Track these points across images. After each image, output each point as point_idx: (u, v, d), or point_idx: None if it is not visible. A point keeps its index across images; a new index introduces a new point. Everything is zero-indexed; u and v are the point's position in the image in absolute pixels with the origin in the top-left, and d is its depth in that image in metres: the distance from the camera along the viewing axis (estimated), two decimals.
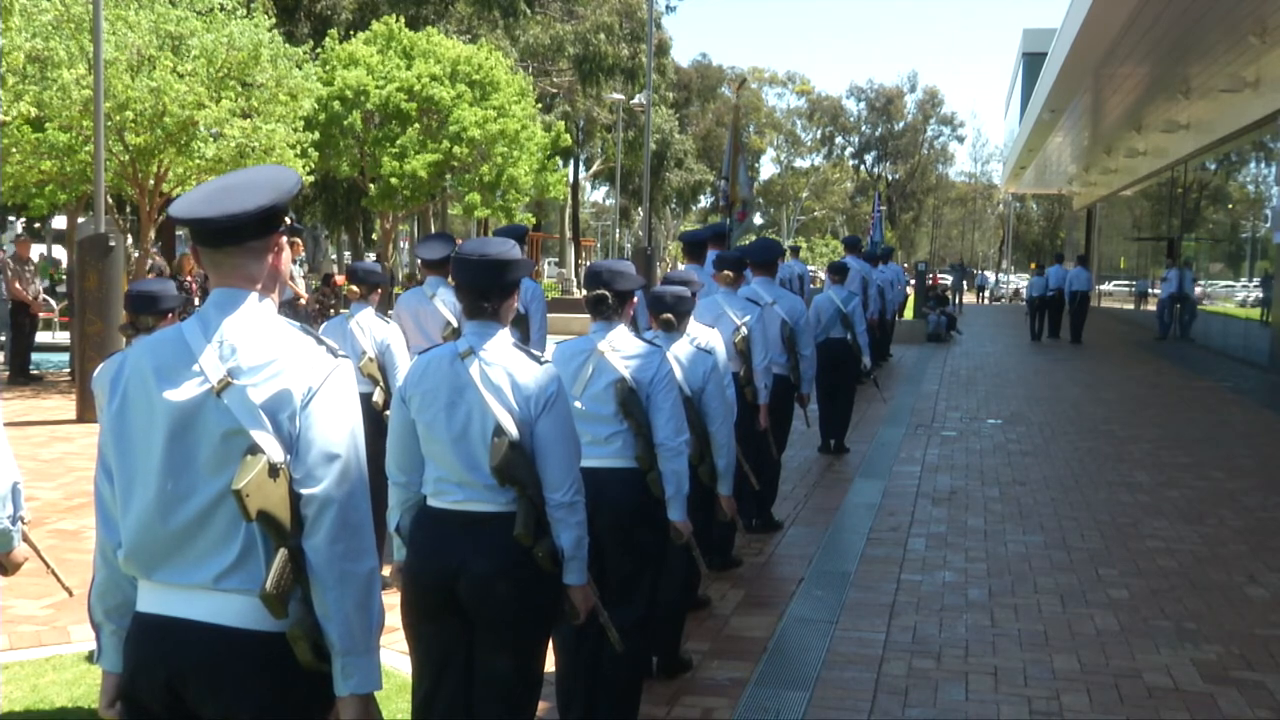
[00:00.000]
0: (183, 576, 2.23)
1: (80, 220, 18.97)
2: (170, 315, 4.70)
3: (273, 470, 2.17)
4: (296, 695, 2.26)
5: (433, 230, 37.33)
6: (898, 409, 13.08)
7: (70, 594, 4.59)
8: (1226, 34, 17.28)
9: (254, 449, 2.17)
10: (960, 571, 6.51)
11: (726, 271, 6.54)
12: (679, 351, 4.62)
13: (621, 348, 3.99)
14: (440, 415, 3.14)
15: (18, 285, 14.29)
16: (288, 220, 2.37)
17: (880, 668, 4.96)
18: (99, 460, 2.37)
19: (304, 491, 2.21)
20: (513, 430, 3.07)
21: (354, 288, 6.15)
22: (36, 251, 24.45)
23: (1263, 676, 4.91)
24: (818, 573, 6.44)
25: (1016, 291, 49.72)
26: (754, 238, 14.94)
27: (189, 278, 15.42)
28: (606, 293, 3.97)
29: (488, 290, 3.16)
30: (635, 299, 4.16)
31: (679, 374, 4.41)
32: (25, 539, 3.61)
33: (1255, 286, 21.00)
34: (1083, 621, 5.63)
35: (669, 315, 4.67)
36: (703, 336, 5.02)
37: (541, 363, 3.19)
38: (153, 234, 16.02)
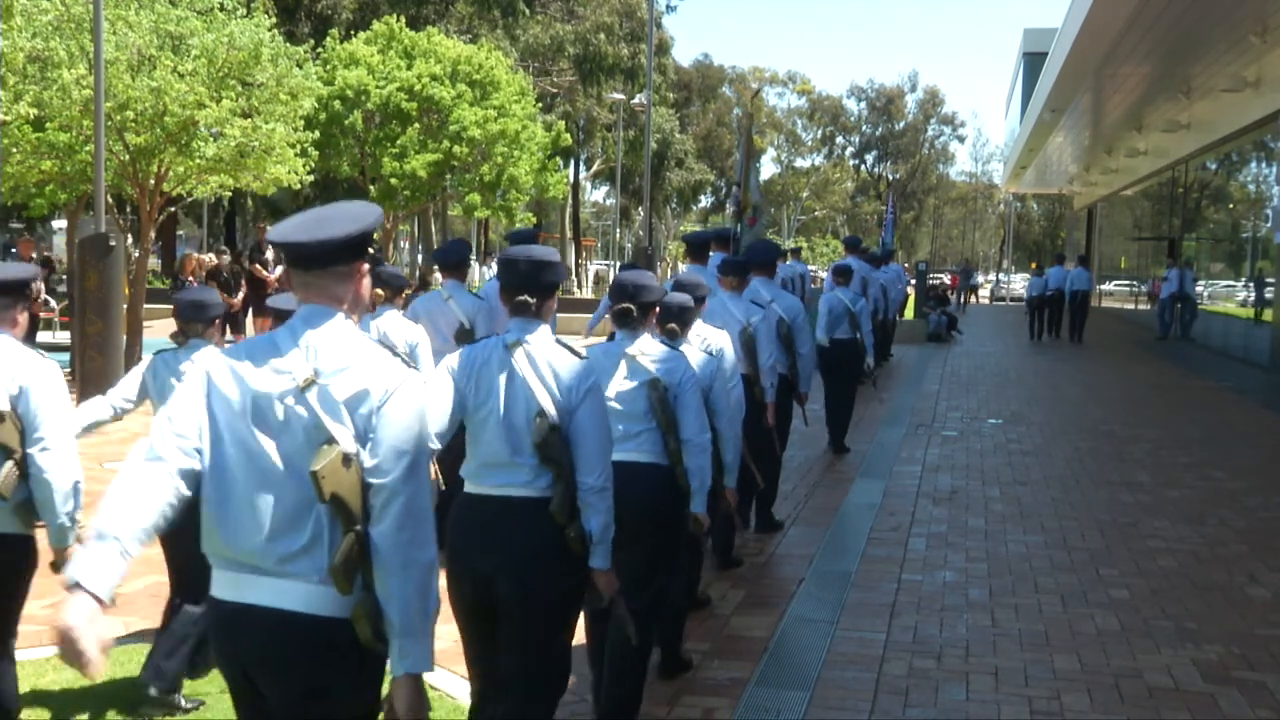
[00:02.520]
0: (255, 558, 2.45)
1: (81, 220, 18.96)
2: (216, 321, 4.84)
3: (346, 460, 2.41)
4: (352, 677, 2.48)
5: (433, 230, 37.37)
6: (898, 409, 13.07)
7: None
8: (1227, 34, 17.27)
9: (331, 440, 2.42)
10: (961, 571, 6.51)
11: (731, 277, 6.74)
12: (687, 354, 4.68)
13: (650, 352, 4.26)
14: (489, 400, 3.40)
15: None
16: (371, 250, 2.67)
17: (881, 668, 4.96)
18: (169, 435, 2.50)
19: (374, 482, 2.43)
20: (553, 413, 3.32)
21: (379, 290, 6.26)
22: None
23: (1263, 676, 4.91)
24: (818, 573, 6.44)
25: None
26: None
27: (190, 278, 15.44)
28: (632, 306, 4.21)
29: (531, 289, 3.45)
30: (657, 310, 4.41)
31: None
32: (79, 538, 3.66)
33: (1243, 287, 21.02)
34: (1083, 621, 5.63)
35: (674, 325, 4.80)
36: (712, 338, 5.21)
37: (580, 356, 3.46)
38: (153, 234, 16.02)
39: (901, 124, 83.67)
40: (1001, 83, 76.95)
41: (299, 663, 2.44)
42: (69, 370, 14.64)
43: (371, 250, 2.66)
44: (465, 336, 6.72)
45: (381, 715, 2.55)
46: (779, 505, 7.78)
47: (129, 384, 4.78)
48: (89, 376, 11.53)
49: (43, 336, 16.78)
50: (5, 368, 3.63)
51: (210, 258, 17.85)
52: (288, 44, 15.56)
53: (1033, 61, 35.36)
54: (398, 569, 2.42)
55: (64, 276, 21.72)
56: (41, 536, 3.78)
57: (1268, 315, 18.41)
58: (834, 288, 10.60)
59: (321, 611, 2.43)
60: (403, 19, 27.28)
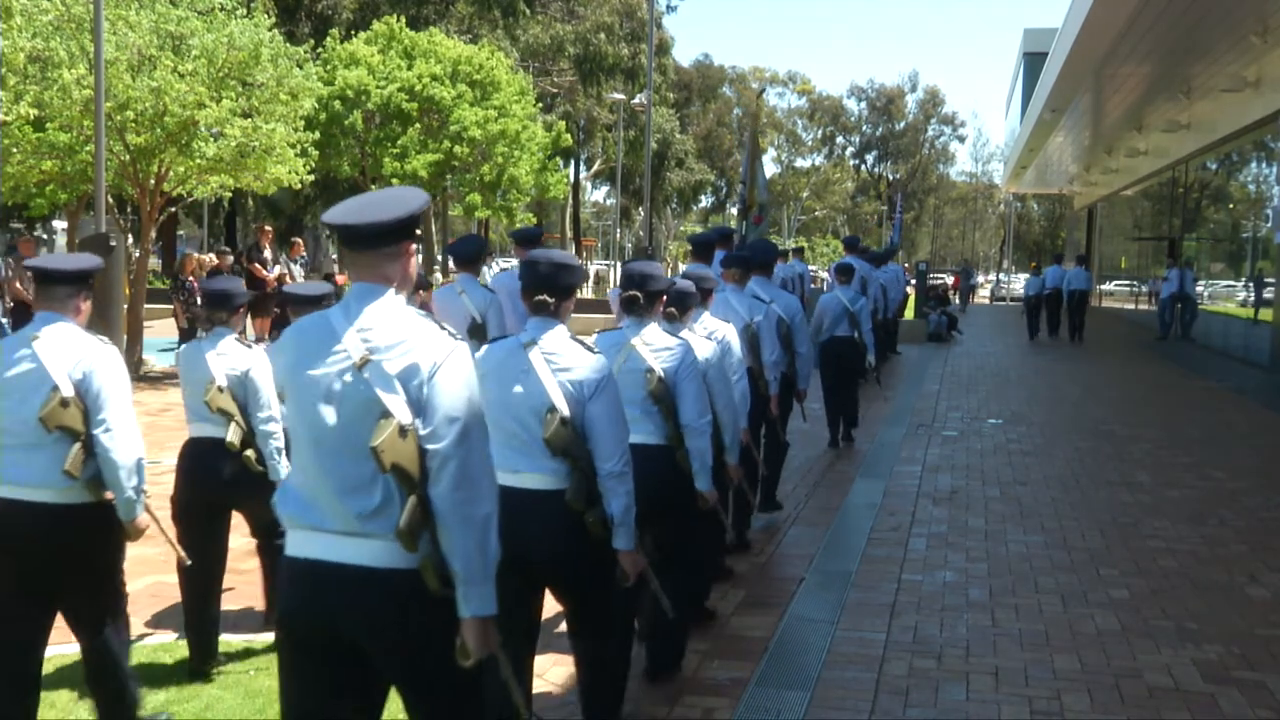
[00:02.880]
0: (331, 521, 2.70)
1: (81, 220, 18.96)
2: (240, 310, 5.03)
3: (402, 431, 2.63)
4: (427, 620, 2.71)
5: (433, 230, 37.32)
6: (899, 409, 13.07)
7: (189, 562, 4.68)
8: (1228, 34, 17.27)
9: (387, 413, 2.63)
10: (961, 571, 6.50)
11: (734, 270, 6.83)
12: (692, 342, 4.84)
13: (652, 341, 4.46)
14: (506, 395, 3.60)
15: (18, 285, 14.29)
16: (417, 231, 2.89)
17: (881, 668, 4.96)
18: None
19: (429, 447, 2.66)
20: (564, 409, 3.53)
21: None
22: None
23: (1263, 676, 4.91)
24: (818, 572, 6.44)
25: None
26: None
27: (190, 277, 15.46)
28: (639, 294, 4.42)
29: (551, 290, 3.66)
30: (664, 298, 4.61)
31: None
32: (146, 509, 4.01)
33: (1243, 287, 21.02)
34: (1083, 621, 5.63)
35: (673, 309, 4.96)
36: (719, 329, 5.37)
37: (595, 353, 3.69)
38: (153, 234, 16.03)
39: (902, 124, 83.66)
40: (1001, 83, 76.95)
41: (382, 611, 2.68)
42: None
43: (418, 231, 2.89)
44: (477, 331, 6.80)
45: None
46: (781, 500, 7.80)
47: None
48: None
49: None
50: (69, 353, 3.87)
51: (211, 258, 17.85)
52: (288, 44, 15.58)
53: (1033, 61, 35.36)
54: (457, 525, 2.65)
55: None
56: None
57: (1266, 315, 18.41)
58: (835, 286, 10.69)
59: (398, 565, 2.66)
60: (403, 19, 27.30)
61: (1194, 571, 6.54)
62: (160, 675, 4.75)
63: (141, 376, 14.53)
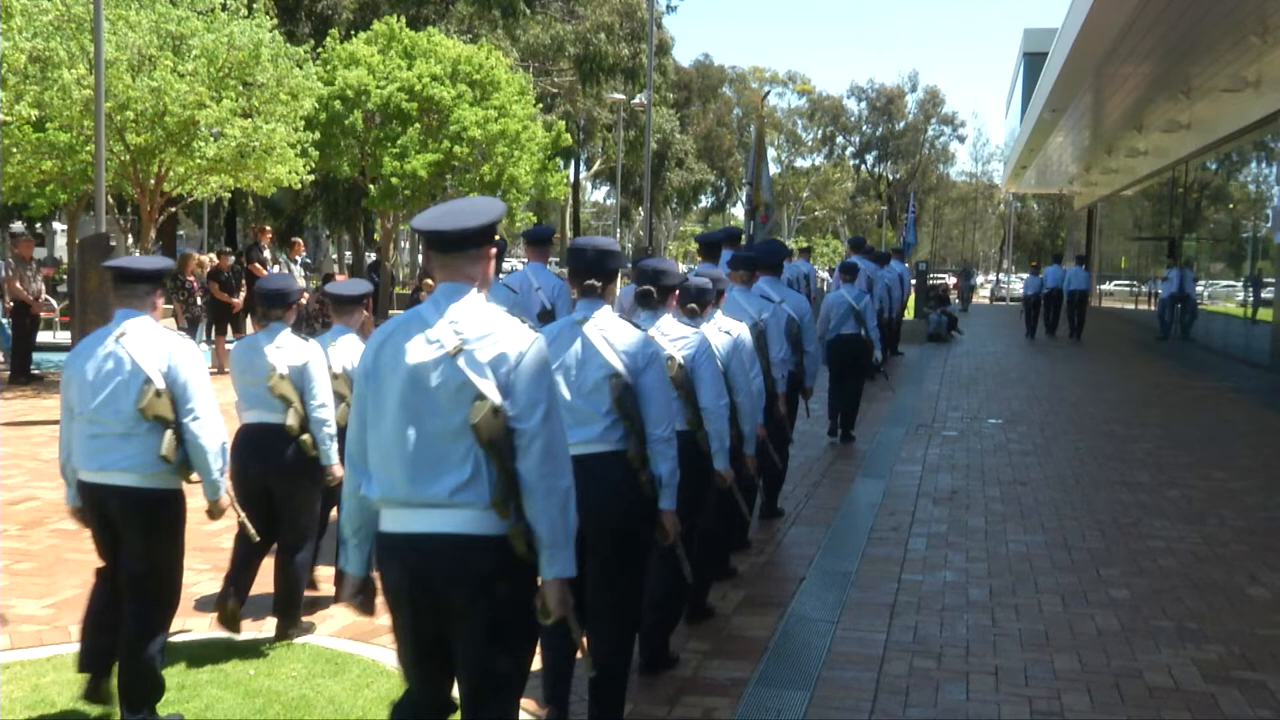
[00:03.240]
0: (426, 493, 2.97)
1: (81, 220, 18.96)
2: (294, 306, 5.36)
3: (495, 411, 2.93)
4: (513, 581, 3.01)
5: None
6: (899, 409, 13.08)
7: (258, 538, 4.98)
8: (1228, 34, 17.27)
9: (481, 395, 2.94)
10: (961, 571, 6.51)
11: (741, 271, 6.99)
12: (708, 333, 5.09)
13: (669, 332, 4.70)
14: (561, 370, 3.94)
15: (18, 285, 14.29)
16: (497, 236, 3.18)
17: (881, 667, 4.96)
18: (355, 420, 3.12)
19: (518, 427, 2.96)
20: (625, 375, 3.90)
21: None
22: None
23: (1264, 676, 4.91)
24: (819, 572, 6.44)
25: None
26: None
27: (190, 277, 15.45)
28: (653, 289, 4.69)
29: (598, 273, 4.05)
30: (676, 292, 4.87)
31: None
32: (227, 490, 4.44)
33: (1243, 287, 21.02)
34: (1084, 621, 5.63)
35: (693, 304, 5.24)
36: (733, 327, 5.53)
37: (641, 330, 4.08)
38: (153, 234, 16.02)
39: (902, 124, 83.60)
40: (1001, 83, 76.95)
41: (476, 574, 2.97)
42: None
43: (498, 237, 3.22)
44: (545, 317, 7.01)
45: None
46: (781, 500, 7.80)
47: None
48: None
49: (43, 336, 16.76)
50: (156, 348, 4.23)
51: (211, 258, 17.84)
52: (288, 44, 15.58)
53: (1033, 61, 35.36)
54: (542, 496, 2.96)
55: (64, 277, 21.70)
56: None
57: (1265, 315, 18.42)
58: (840, 285, 10.88)
59: (488, 531, 2.96)
60: (403, 19, 27.25)
61: (1194, 571, 6.55)
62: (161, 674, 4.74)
63: None
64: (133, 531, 4.22)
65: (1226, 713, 4.53)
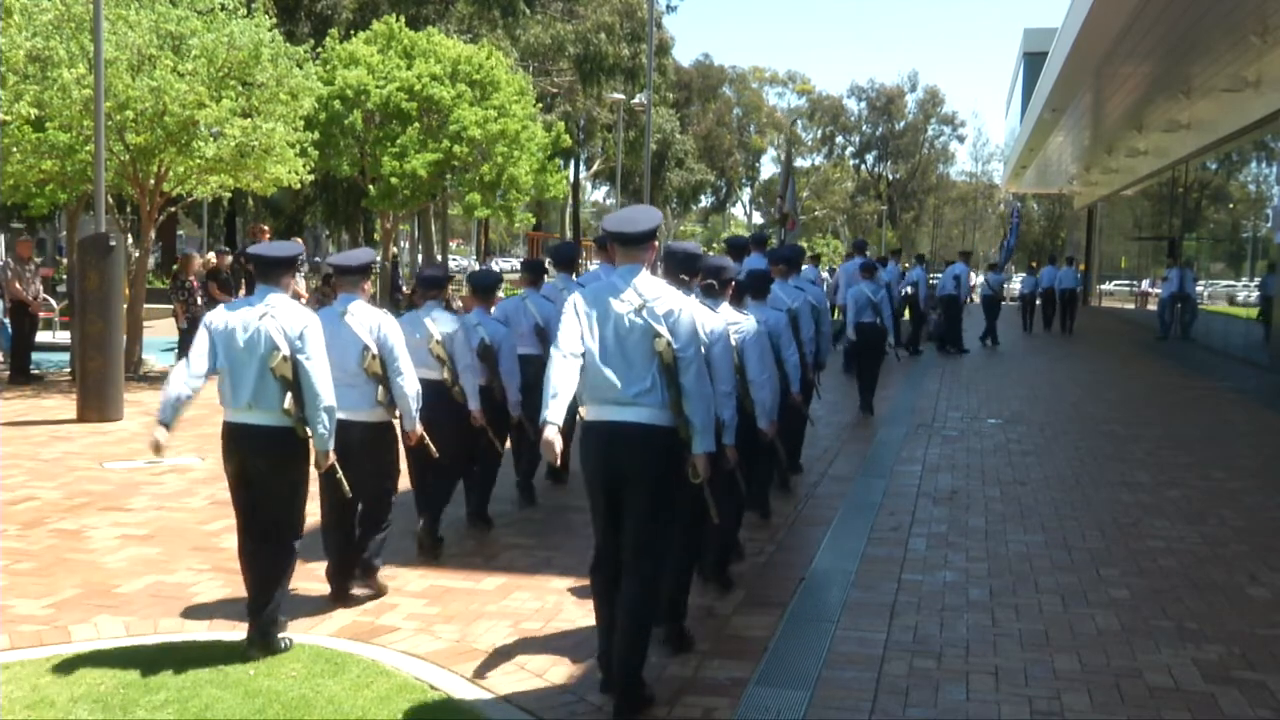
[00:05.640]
0: (623, 396, 4.43)
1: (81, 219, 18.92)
2: (445, 289, 7.03)
3: (668, 344, 4.42)
4: (676, 456, 4.49)
5: (433, 230, 37.36)
6: (899, 409, 13.08)
7: (349, 494, 5.57)
8: (1227, 33, 17.26)
9: (659, 335, 4.43)
10: (961, 571, 6.50)
11: (780, 265, 8.76)
12: (725, 315, 5.87)
13: (728, 318, 5.77)
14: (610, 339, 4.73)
15: (18, 285, 14.28)
16: (658, 236, 4.70)
17: (881, 667, 4.96)
18: (569, 333, 4.48)
19: (681, 355, 4.44)
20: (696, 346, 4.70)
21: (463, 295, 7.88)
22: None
23: (1264, 676, 4.91)
24: (818, 572, 6.43)
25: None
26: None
27: (191, 278, 15.44)
28: (714, 281, 5.79)
29: (689, 271, 5.13)
30: (732, 284, 6.02)
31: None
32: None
33: (1243, 287, 21.04)
34: (1084, 621, 5.63)
35: (711, 281, 5.84)
36: (742, 322, 6.13)
37: (716, 314, 5.42)
38: (153, 234, 16.01)
39: (901, 124, 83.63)
40: (1001, 83, 76.88)
41: (653, 450, 4.44)
42: (69, 370, 14.63)
43: (658, 236, 4.74)
44: (540, 335, 7.97)
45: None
46: (783, 499, 7.80)
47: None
48: (89, 377, 11.49)
49: (43, 336, 16.75)
50: (368, 321, 5.72)
51: (211, 257, 17.83)
52: (288, 44, 15.54)
53: (1033, 61, 35.32)
54: (697, 399, 4.45)
55: (64, 277, 21.67)
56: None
57: (1251, 313, 18.43)
58: (861, 281, 13.07)
59: (661, 423, 4.45)
60: (402, 19, 27.25)
61: (1194, 571, 6.54)
62: (161, 674, 4.74)
63: (141, 377, 14.53)
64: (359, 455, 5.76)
65: (1226, 713, 4.53)
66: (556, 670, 4.89)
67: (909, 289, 21.95)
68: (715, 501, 4.86)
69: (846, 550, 6.90)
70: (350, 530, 5.83)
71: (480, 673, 4.87)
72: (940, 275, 23.12)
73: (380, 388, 5.71)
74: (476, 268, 20.27)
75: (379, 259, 25.31)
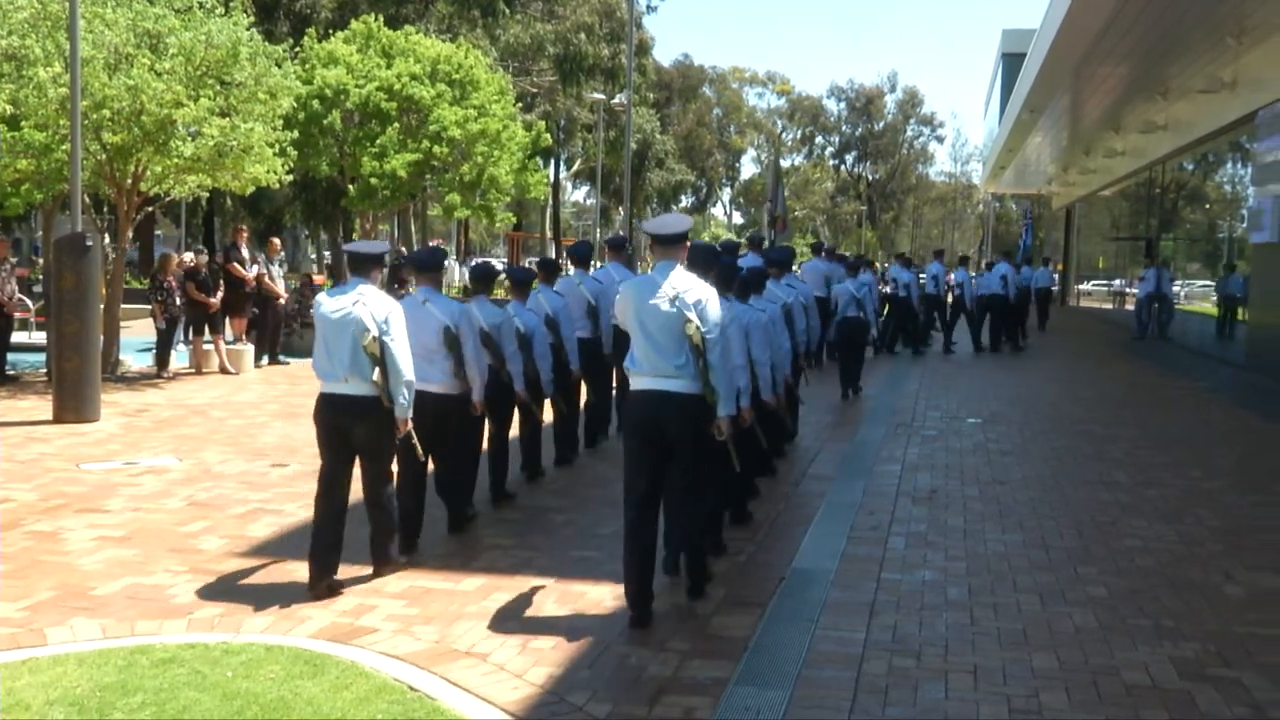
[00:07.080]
0: (662, 368, 5.49)
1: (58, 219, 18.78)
2: (495, 282, 8.33)
3: (696, 329, 5.39)
4: (705, 420, 5.54)
5: (413, 230, 37.20)
6: (878, 408, 13.11)
7: (423, 458, 6.68)
8: (1205, 35, 17.38)
9: (689, 320, 5.41)
10: (940, 570, 6.52)
11: (773, 267, 9.68)
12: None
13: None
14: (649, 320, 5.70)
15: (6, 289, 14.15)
16: (689, 238, 5.78)
17: (860, 667, 4.97)
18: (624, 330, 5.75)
19: (708, 336, 5.41)
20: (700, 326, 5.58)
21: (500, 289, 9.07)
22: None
23: (1239, 674, 4.94)
24: (799, 572, 6.44)
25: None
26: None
27: (169, 278, 15.36)
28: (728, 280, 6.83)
29: (706, 266, 6.00)
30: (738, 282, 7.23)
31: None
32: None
33: (1216, 287, 21.19)
34: (1061, 620, 5.65)
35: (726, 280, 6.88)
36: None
37: (732, 302, 6.57)
38: (130, 234, 15.91)
39: (881, 124, 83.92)
40: (980, 83, 77.24)
41: (687, 414, 5.51)
42: (45, 371, 14.52)
43: (689, 238, 5.87)
44: (591, 313, 9.79)
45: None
46: (765, 500, 7.84)
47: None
48: (65, 377, 11.40)
49: (19, 337, 16.61)
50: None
51: (189, 257, 17.72)
52: (266, 43, 15.47)
53: (1011, 62, 35.45)
54: (721, 372, 5.49)
55: (40, 277, 21.51)
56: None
57: (1211, 312, 18.57)
58: (847, 278, 14.65)
59: (693, 391, 5.49)
60: (381, 18, 27.15)
61: (1171, 570, 6.58)
62: (138, 677, 4.71)
63: (118, 377, 14.43)
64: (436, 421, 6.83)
65: (1203, 710, 4.56)
66: (536, 671, 4.88)
67: (897, 289, 22.10)
68: (736, 452, 5.96)
69: (826, 550, 6.91)
70: (419, 496, 6.76)
71: (460, 674, 4.86)
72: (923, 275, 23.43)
73: (454, 360, 6.76)
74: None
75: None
